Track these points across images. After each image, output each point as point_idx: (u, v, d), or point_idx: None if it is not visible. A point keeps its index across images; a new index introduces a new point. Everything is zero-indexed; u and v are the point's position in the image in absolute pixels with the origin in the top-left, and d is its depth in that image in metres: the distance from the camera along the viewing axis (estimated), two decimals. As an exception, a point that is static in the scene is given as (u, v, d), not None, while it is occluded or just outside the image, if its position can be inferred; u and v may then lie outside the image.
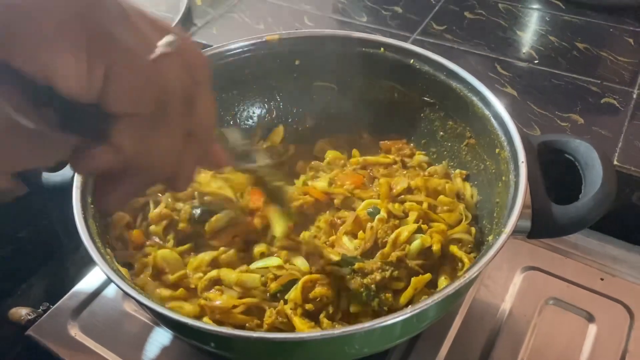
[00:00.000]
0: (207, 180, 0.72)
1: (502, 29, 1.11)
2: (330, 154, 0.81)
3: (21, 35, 0.31)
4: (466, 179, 0.77)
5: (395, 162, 0.79)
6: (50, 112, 0.35)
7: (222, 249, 0.68)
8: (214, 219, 0.69)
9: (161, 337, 0.72)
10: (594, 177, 0.62)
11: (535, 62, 1.02)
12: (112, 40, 0.34)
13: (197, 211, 0.70)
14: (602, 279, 0.77)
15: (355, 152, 0.83)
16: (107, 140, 0.37)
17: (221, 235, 0.68)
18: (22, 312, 0.78)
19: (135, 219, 0.73)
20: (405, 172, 0.78)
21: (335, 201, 0.74)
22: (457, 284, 0.53)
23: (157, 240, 0.71)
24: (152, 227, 0.71)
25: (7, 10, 0.31)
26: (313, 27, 1.12)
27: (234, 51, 0.81)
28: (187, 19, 1.15)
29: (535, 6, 1.18)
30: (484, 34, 1.10)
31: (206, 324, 0.53)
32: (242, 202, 0.71)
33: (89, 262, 0.82)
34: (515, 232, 0.58)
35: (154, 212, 0.72)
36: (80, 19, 0.33)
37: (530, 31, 1.11)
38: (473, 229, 0.71)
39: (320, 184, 0.76)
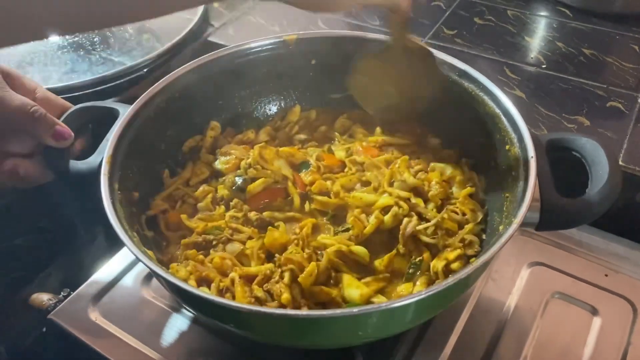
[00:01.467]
0: (271, 157, 0.78)
1: (511, 35, 1.14)
2: (356, 128, 0.87)
3: None
4: (472, 168, 0.80)
5: (412, 143, 0.83)
6: None
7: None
8: (252, 185, 0.76)
9: (179, 322, 0.75)
10: (600, 172, 0.64)
11: (543, 66, 1.05)
12: None
13: (239, 180, 0.77)
14: (606, 275, 0.80)
15: (378, 129, 0.86)
16: None
17: (255, 199, 0.76)
18: (43, 298, 0.81)
19: (174, 206, 0.78)
20: (419, 160, 0.80)
21: (346, 170, 0.79)
22: (469, 269, 0.55)
23: (207, 213, 0.76)
24: (200, 204, 0.77)
25: None
26: (327, 30, 1.15)
27: (253, 50, 0.85)
28: (205, 20, 1.18)
29: (543, 13, 1.21)
30: (493, 39, 1.12)
31: (228, 301, 0.55)
32: (291, 179, 0.78)
33: (105, 253, 0.85)
34: (525, 223, 0.61)
35: (198, 191, 0.79)
36: None
37: (538, 37, 1.14)
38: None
39: (338, 152, 0.81)
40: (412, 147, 0.84)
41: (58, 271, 0.95)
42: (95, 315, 0.76)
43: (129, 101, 0.78)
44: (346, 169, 0.79)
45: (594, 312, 0.75)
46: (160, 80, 0.79)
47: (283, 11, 1.22)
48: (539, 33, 1.15)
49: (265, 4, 1.25)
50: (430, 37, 1.13)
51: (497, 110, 0.73)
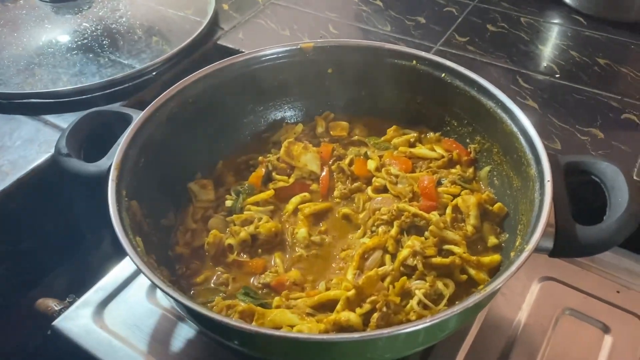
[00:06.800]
0: (298, 153, 0.80)
1: (524, 43, 1.12)
2: (391, 133, 0.87)
3: None
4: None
5: (442, 157, 0.81)
6: None
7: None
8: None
9: (185, 331, 0.74)
10: (620, 199, 0.62)
11: (557, 76, 1.03)
12: None
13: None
14: (618, 292, 0.78)
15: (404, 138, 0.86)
16: None
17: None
18: (49, 303, 0.80)
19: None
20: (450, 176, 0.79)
21: (374, 184, 0.79)
22: (477, 297, 0.54)
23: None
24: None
25: None
26: (338, 35, 1.14)
27: (270, 57, 0.84)
28: (214, 23, 1.17)
29: (557, 21, 1.19)
30: (505, 46, 1.11)
31: (231, 319, 0.54)
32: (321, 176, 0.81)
33: (111, 257, 0.85)
34: (537, 250, 0.59)
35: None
36: None
37: (551, 45, 1.13)
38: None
39: (371, 163, 0.81)
40: (442, 161, 0.82)
41: (63, 275, 0.95)
42: (100, 323, 0.75)
43: (138, 104, 0.77)
44: (374, 179, 0.80)
45: (606, 329, 0.74)
46: (175, 85, 0.78)
47: (293, 15, 1.21)
48: (553, 41, 1.14)
49: (275, 8, 1.24)
50: (441, 43, 1.12)
51: (515, 129, 0.71)
